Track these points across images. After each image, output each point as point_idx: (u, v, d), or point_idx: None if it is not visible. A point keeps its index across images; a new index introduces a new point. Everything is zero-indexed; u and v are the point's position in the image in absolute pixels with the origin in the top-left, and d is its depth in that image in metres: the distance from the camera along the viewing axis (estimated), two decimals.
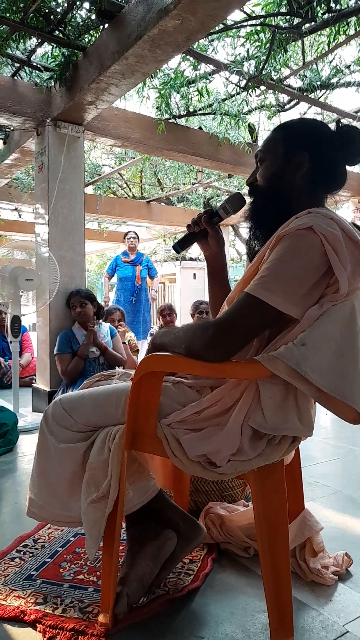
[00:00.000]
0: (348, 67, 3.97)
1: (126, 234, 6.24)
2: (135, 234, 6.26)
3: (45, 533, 1.76)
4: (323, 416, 3.57)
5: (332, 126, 1.31)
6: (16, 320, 3.59)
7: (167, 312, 4.89)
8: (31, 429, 3.29)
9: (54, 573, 1.50)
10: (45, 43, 3.44)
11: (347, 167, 1.32)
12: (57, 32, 3.22)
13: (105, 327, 3.78)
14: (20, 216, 9.35)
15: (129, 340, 4.46)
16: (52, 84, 3.66)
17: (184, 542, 1.41)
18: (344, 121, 1.37)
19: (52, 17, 3.13)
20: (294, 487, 1.55)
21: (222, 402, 1.21)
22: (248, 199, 1.38)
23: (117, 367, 1.62)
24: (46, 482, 1.32)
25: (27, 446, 2.92)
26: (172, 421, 1.23)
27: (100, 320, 3.80)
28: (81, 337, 3.60)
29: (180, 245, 1.48)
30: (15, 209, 8.89)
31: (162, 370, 1.25)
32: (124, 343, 4.03)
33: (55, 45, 3.45)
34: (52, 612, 1.30)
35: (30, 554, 1.61)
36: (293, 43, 3.49)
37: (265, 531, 1.17)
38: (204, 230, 1.44)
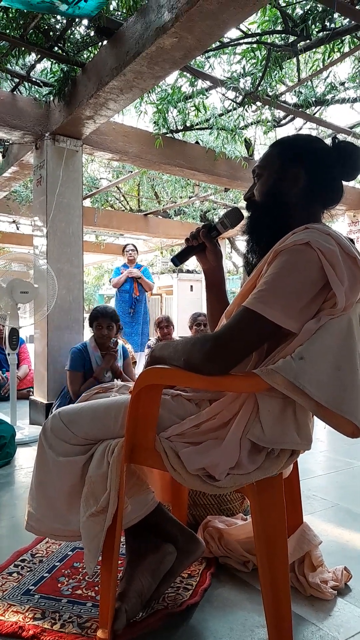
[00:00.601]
0: (342, 84, 4.04)
1: (125, 246, 6.27)
2: (134, 246, 6.28)
3: (43, 547, 1.75)
4: (321, 429, 3.57)
5: (329, 141, 1.33)
6: (14, 332, 3.59)
7: (165, 324, 4.90)
8: (29, 442, 3.27)
9: (52, 588, 1.49)
10: (45, 59, 3.49)
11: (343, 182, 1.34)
12: (56, 48, 3.28)
13: (119, 349, 3.61)
14: (18, 228, 9.39)
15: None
16: (51, 99, 3.70)
17: (183, 556, 1.40)
18: (340, 137, 1.40)
19: (51, 33, 3.19)
20: (293, 500, 1.55)
21: (221, 415, 1.21)
22: (246, 213, 1.40)
23: (115, 380, 1.62)
24: (45, 495, 1.32)
25: (24, 459, 2.91)
26: (171, 434, 1.24)
27: (117, 340, 3.70)
28: (95, 358, 3.42)
29: (179, 259, 1.49)
30: (14, 222, 8.93)
31: (161, 383, 1.26)
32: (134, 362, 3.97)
33: (54, 61, 3.50)
34: (51, 628, 1.29)
35: (28, 569, 1.60)
36: (288, 60, 3.55)
37: (264, 545, 1.17)
38: (202, 244, 1.46)
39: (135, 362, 4.75)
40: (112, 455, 1.24)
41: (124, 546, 1.48)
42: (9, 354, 3.61)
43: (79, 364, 3.40)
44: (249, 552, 1.57)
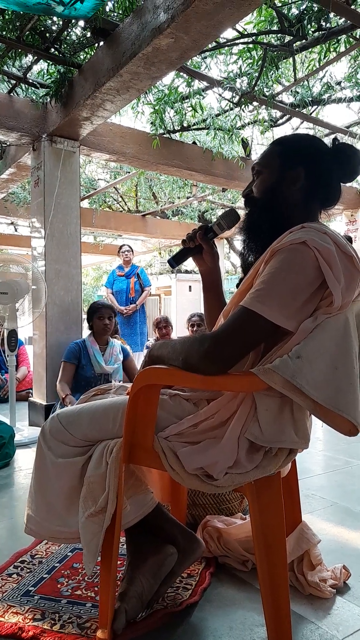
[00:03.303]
0: (338, 83, 4.04)
1: (120, 247, 6.26)
2: (129, 247, 6.28)
3: (43, 548, 1.75)
4: (319, 428, 3.58)
5: (328, 141, 1.34)
6: (13, 334, 3.59)
7: (163, 325, 4.90)
8: (28, 443, 3.27)
9: (52, 589, 1.49)
10: (41, 60, 3.49)
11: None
12: (52, 50, 3.28)
13: (117, 346, 3.67)
14: (16, 230, 9.39)
15: None
16: (48, 100, 3.70)
17: (182, 556, 1.40)
18: (339, 138, 1.40)
19: (47, 35, 3.19)
20: (291, 499, 1.55)
21: (219, 414, 1.21)
22: (243, 211, 1.40)
23: (112, 381, 1.63)
24: (44, 497, 1.32)
25: (23, 460, 2.91)
26: (169, 434, 1.24)
27: (114, 339, 3.74)
28: (94, 352, 3.48)
29: (176, 260, 1.50)
30: (12, 223, 8.93)
31: (159, 383, 1.26)
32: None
33: (51, 63, 3.51)
34: (51, 629, 1.29)
35: (28, 570, 1.60)
36: (285, 60, 3.56)
37: (263, 544, 1.17)
38: (199, 246, 1.47)
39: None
40: (110, 456, 1.24)
41: (124, 546, 1.49)
42: (8, 356, 3.61)
43: (73, 356, 3.49)
44: (248, 551, 1.58)
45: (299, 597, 1.43)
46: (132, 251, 6.30)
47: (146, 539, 1.40)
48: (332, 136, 4.83)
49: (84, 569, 1.59)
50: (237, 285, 1.32)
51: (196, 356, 1.13)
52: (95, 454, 1.27)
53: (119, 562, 1.47)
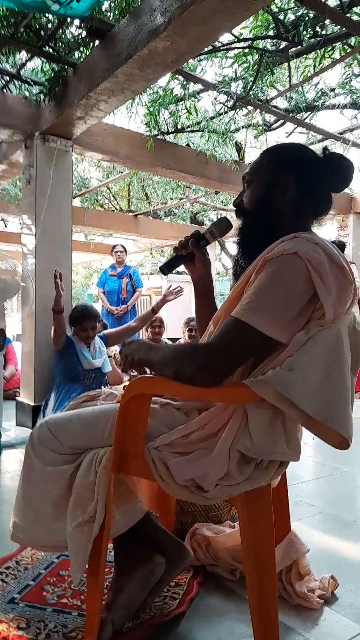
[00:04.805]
0: (333, 90, 4.06)
1: (113, 247, 6.24)
2: (123, 247, 6.25)
3: (28, 554, 1.73)
4: (309, 434, 3.58)
5: (319, 149, 1.33)
6: (1, 333, 3.55)
7: (158, 324, 4.85)
8: (15, 444, 3.24)
9: (37, 596, 1.47)
10: (35, 57, 3.46)
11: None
12: (47, 48, 3.25)
13: (97, 339, 3.65)
14: (6, 226, 9.31)
15: (114, 354, 4.44)
16: (42, 98, 3.67)
17: (171, 565, 1.40)
18: (330, 146, 1.40)
19: (42, 32, 3.16)
20: (280, 509, 1.55)
21: (210, 425, 1.21)
22: (236, 221, 1.40)
23: (102, 387, 1.61)
24: (31, 505, 1.30)
25: (10, 462, 2.88)
26: (159, 444, 1.23)
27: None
28: (80, 349, 3.48)
29: (167, 268, 1.49)
30: (2, 219, 8.85)
31: (150, 392, 1.25)
32: (110, 357, 3.99)
33: (45, 60, 3.48)
34: (36, 638, 1.27)
35: (13, 576, 1.58)
36: (280, 65, 3.56)
37: (252, 555, 1.17)
38: (191, 253, 1.46)
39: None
40: (99, 465, 1.23)
41: (111, 553, 1.47)
42: None
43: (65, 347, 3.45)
44: (236, 560, 1.57)
45: (287, 608, 1.42)
46: (126, 252, 6.27)
47: (134, 548, 1.39)
48: (324, 143, 4.85)
49: (70, 576, 1.57)
50: (230, 290, 1.32)
51: (189, 368, 1.13)
52: (84, 463, 1.26)
53: (106, 570, 1.46)
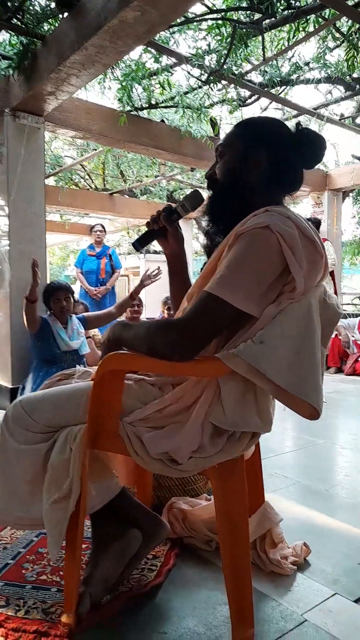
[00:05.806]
0: (307, 64, 4.03)
1: (93, 227, 6.16)
2: (102, 227, 6.18)
3: (7, 534, 1.73)
4: (281, 407, 3.64)
5: (293, 127, 1.32)
6: None
7: (137, 303, 4.82)
8: None
9: (17, 575, 1.48)
10: (3, 31, 3.34)
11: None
12: (14, 20, 3.13)
13: (75, 319, 3.61)
14: None
15: (93, 335, 4.41)
16: (11, 73, 3.55)
17: (147, 539, 1.41)
18: (303, 118, 1.39)
19: (9, 4, 3.04)
20: (254, 480, 1.58)
21: (184, 399, 1.21)
22: (206, 193, 1.39)
23: (77, 366, 1.60)
24: (7, 484, 1.30)
25: None
26: (133, 419, 1.24)
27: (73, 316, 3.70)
28: (58, 330, 3.42)
29: (140, 243, 1.47)
30: None
31: (124, 368, 1.25)
32: (88, 337, 3.97)
33: (13, 33, 3.36)
34: (15, 615, 1.28)
35: None
36: (254, 38, 3.51)
37: (226, 526, 1.19)
38: (164, 228, 1.44)
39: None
40: (74, 441, 1.23)
41: (89, 529, 1.49)
42: None
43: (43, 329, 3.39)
44: (212, 531, 1.60)
45: (261, 575, 1.46)
46: (105, 231, 6.20)
47: (111, 523, 1.40)
48: (299, 118, 4.83)
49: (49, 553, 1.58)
50: (202, 269, 1.32)
51: (162, 344, 1.13)
52: (59, 440, 1.26)
53: (83, 546, 1.47)
